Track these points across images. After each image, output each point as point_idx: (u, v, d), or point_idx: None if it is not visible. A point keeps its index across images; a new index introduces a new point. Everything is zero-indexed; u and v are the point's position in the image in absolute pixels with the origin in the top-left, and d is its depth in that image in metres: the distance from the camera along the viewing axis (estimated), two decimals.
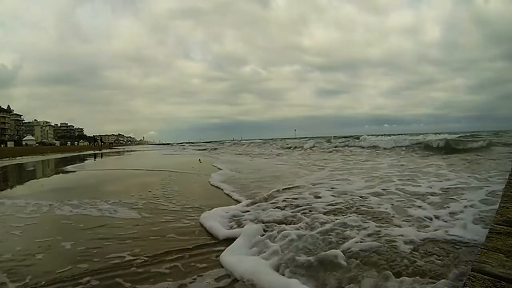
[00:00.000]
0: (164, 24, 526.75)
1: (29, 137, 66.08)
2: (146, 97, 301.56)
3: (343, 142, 18.12)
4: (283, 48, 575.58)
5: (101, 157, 20.22)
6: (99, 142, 56.45)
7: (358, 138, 18.38)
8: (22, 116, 75.58)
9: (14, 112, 70.81)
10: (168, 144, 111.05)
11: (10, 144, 50.69)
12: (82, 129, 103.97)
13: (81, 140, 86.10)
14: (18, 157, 20.16)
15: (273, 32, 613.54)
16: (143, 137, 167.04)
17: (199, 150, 29.40)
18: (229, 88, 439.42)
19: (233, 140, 49.12)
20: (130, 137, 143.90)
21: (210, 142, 69.30)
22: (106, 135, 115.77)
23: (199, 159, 13.28)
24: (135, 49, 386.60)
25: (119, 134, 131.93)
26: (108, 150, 36.81)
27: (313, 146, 18.16)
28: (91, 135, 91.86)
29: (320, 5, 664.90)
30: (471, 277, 1.11)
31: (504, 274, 1.11)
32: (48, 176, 9.16)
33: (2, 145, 47.80)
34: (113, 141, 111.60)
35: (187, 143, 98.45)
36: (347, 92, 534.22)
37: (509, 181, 2.79)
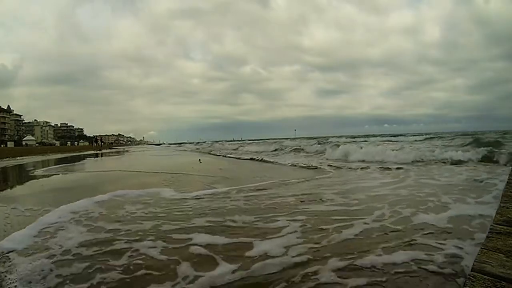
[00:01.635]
0: (164, 24, 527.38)
1: (29, 137, 66.15)
2: (146, 97, 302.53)
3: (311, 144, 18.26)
4: (283, 48, 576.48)
5: (101, 157, 20.23)
6: (99, 142, 56.29)
7: (327, 139, 18.92)
8: (22, 116, 75.74)
9: (14, 112, 70.91)
10: (160, 144, 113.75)
11: (10, 144, 50.75)
12: (82, 129, 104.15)
13: (81, 140, 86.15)
14: (18, 157, 20.12)
15: (273, 32, 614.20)
16: (143, 137, 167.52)
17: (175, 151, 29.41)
18: (229, 88, 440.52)
19: (216, 142, 50.14)
20: (130, 137, 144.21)
21: (198, 142, 70.31)
22: (106, 135, 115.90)
23: (199, 159, 13.24)
24: (135, 49, 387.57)
25: (119, 134, 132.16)
26: (108, 150, 36.89)
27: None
28: (91, 135, 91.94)
29: (320, 5, 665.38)
30: (471, 277, 1.10)
31: (504, 274, 1.11)
32: (48, 177, 9.13)
33: (2, 145, 47.81)
34: (113, 141, 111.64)
35: (174, 143, 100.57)
36: (347, 92, 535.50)
37: (509, 181, 2.78)
